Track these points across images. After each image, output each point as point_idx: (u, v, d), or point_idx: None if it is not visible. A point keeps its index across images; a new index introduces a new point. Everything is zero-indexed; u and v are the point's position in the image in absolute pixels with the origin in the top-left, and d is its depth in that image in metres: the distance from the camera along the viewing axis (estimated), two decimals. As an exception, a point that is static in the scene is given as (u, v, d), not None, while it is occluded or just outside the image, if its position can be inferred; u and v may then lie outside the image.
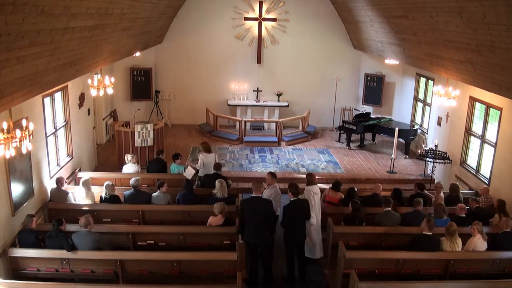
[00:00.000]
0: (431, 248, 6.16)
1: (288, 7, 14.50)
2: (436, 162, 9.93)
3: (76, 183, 8.86)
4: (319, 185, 9.85)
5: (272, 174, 7.36)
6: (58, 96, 8.65)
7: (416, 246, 6.22)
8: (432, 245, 6.17)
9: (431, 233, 6.19)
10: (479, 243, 6.23)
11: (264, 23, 14.58)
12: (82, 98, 9.88)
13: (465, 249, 6.27)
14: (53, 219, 6.82)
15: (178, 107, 15.07)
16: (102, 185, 8.20)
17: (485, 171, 8.88)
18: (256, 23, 14.59)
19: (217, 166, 8.40)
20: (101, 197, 7.70)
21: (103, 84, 9.11)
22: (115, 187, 7.83)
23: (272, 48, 14.88)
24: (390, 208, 7.00)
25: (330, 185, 8.36)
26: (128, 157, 9.12)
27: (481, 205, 7.64)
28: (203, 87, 14.97)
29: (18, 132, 5.39)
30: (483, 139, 9.00)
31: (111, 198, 7.57)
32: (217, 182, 7.48)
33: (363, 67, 15.03)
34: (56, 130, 8.57)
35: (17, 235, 6.42)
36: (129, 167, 9.04)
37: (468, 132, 9.55)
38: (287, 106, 14.70)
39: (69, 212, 7.24)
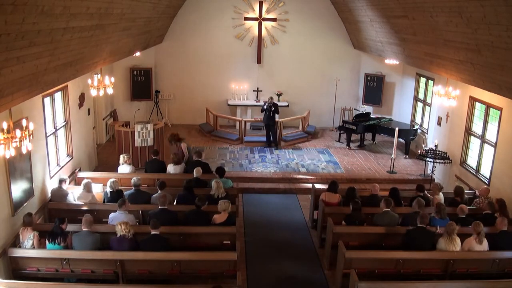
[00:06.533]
0: (427, 240, 6.25)
1: (288, 7, 14.50)
2: (436, 162, 9.92)
3: (76, 183, 8.85)
4: (318, 185, 9.91)
5: None
6: (58, 96, 8.64)
7: (411, 239, 6.32)
8: (427, 237, 6.28)
9: (425, 226, 6.34)
10: (474, 244, 6.24)
11: (264, 23, 14.58)
12: (82, 98, 9.88)
13: (461, 249, 6.28)
14: (53, 218, 6.83)
15: (178, 107, 15.07)
16: (102, 185, 8.25)
17: (485, 171, 8.87)
18: (256, 23, 14.59)
19: (199, 153, 8.98)
20: (105, 192, 7.74)
21: (103, 84, 9.11)
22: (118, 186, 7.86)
23: (272, 48, 14.88)
24: (389, 209, 7.01)
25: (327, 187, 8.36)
26: (124, 157, 9.13)
27: (481, 206, 7.64)
28: (203, 87, 14.97)
29: (18, 132, 5.39)
30: (483, 139, 9.00)
31: (116, 193, 7.60)
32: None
33: (363, 67, 15.03)
34: (56, 130, 8.57)
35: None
36: (125, 168, 9.05)
37: (468, 132, 9.55)
38: (287, 106, 14.70)
39: (69, 212, 7.24)
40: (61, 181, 7.77)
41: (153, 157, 9.32)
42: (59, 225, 6.14)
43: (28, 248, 6.16)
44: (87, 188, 7.79)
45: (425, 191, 8.01)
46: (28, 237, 6.18)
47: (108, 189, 7.68)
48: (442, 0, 6.21)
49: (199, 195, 7.21)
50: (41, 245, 6.24)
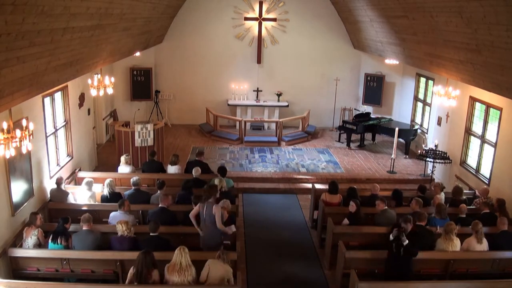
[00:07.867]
0: (425, 239, 6.27)
1: (288, 7, 14.50)
2: (436, 162, 9.92)
3: (76, 183, 8.86)
4: (318, 185, 9.91)
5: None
6: (58, 96, 8.65)
7: (410, 238, 6.29)
8: (426, 235, 6.31)
9: (424, 224, 6.37)
10: (473, 243, 6.25)
11: (264, 23, 14.58)
12: (82, 98, 9.88)
13: (461, 248, 6.28)
14: (53, 218, 6.80)
15: (178, 107, 15.07)
16: (102, 185, 8.24)
17: (485, 171, 8.87)
18: (256, 23, 14.59)
19: (199, 153, 9.10)
20: (102, 195, 7.72)
21: (103, 84, 9.11)
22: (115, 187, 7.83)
23: (272, 48, 14.88)
24: (386, 207, 7.02)
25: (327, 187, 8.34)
26: (124, 157, 9.13)
27: (480, 206, 7.63)
28: (203, 87, 14.97)
29: (18, 132, 5.39)
30: (483, 139, 9.00)
31: (113, 196, 7.58)
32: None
33: (363, 67, 15.03)
34: (56, 130, 8.57)
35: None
36: (124, 168, 9.05)
37: (468, 132, 9.55)
38: (287, 106, 14.70)
39: (69, 212, 7.22)
40: (58, 181, 7.70)
41: (151, 158, 9.29)
42: (63, 224, 6.15)
43: (32, 245, 6.18)
44: (90, 187, 7.80)
45: (426, 193, 8.00)
46: (33, 233, 6.20)
47: (106, 191, 7.65)
48: (442, 0, 6.21)
49: (195, 194, 7.20)
50: (46, 241, 6.25)
